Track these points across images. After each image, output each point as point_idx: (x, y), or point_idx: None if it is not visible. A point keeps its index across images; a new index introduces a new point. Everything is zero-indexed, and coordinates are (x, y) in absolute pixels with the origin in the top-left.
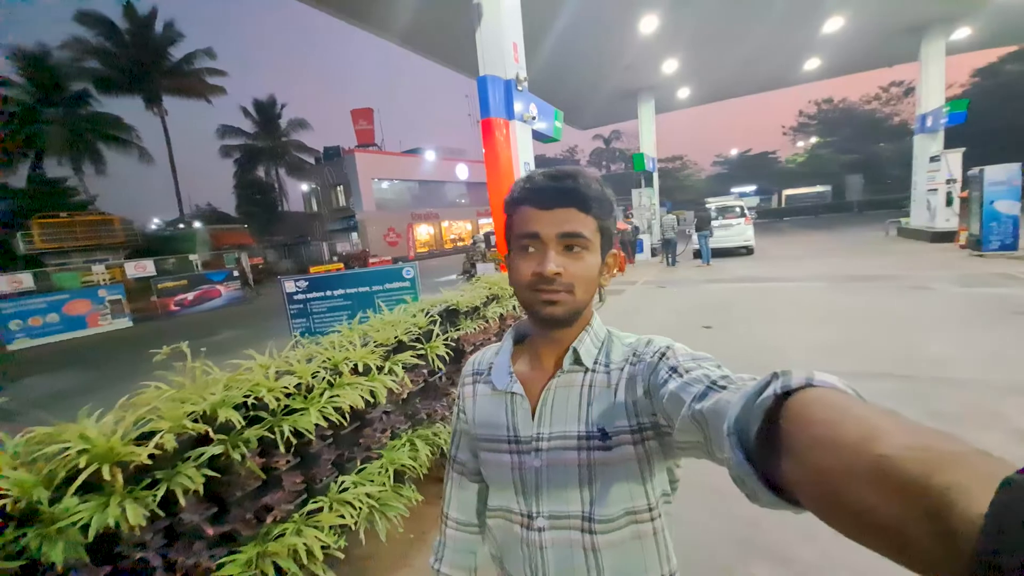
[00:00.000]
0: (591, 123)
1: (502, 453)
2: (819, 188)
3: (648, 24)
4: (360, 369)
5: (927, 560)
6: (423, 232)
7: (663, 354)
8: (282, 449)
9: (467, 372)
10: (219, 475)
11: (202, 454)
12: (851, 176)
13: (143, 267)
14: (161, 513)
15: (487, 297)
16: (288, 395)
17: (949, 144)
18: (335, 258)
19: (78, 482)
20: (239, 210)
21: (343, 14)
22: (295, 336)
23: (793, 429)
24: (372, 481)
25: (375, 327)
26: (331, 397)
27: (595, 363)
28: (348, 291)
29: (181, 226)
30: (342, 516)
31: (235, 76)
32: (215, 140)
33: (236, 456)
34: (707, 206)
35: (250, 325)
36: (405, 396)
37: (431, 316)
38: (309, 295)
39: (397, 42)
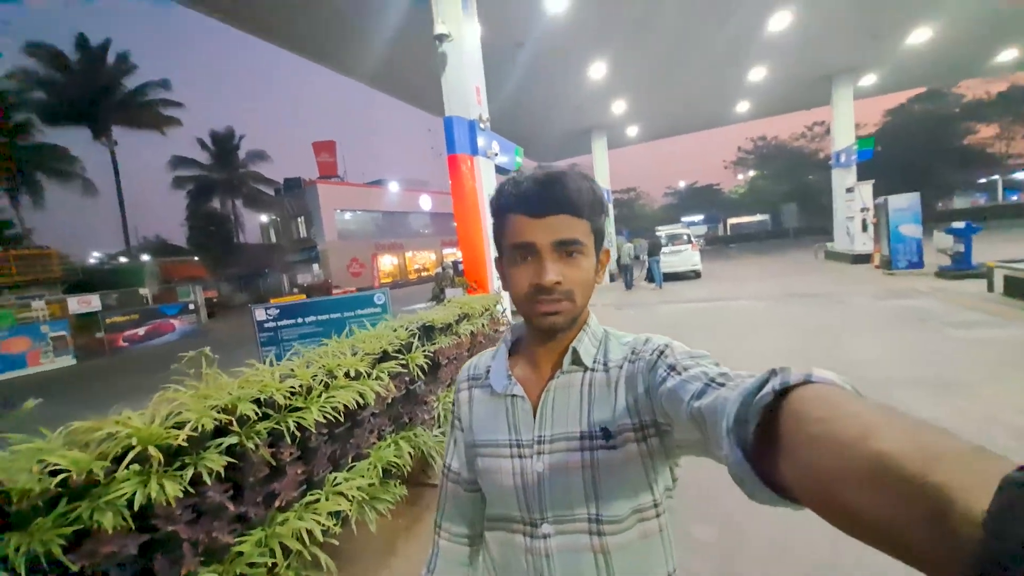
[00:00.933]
0: (549, 157)
1: (503, 458)
2: (759, 217)
3: (597, 70)
4: (352, 374)
5: (927, 557)
6: (387, 262)
7: (661, 352)
8: (288, 441)
9: (463, 378)
10: (236, 462)
11: (222, 443)
12: (786, 205)
13: (87, 301)
14: (192, 490)
15: (459, 315)
16: (292, 394)
17: (863, 176)
18: (295, 289)
19: (129, 458)
20: (191, 242)
21: (314, 56)
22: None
23: (791, 426)
24: (363, 476)
25: (362, 339)
26: (328, 398)
27: (594, 362)
28: (320, 317)
29: (127, 259)
30: (339, 505)
31: (193, 108)
32: (167, 172)
33: (250, 445)
34: (657, 234)
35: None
36: (390, 400)
37: (410, 331)
38: (280, 322)
39: (366, 83)
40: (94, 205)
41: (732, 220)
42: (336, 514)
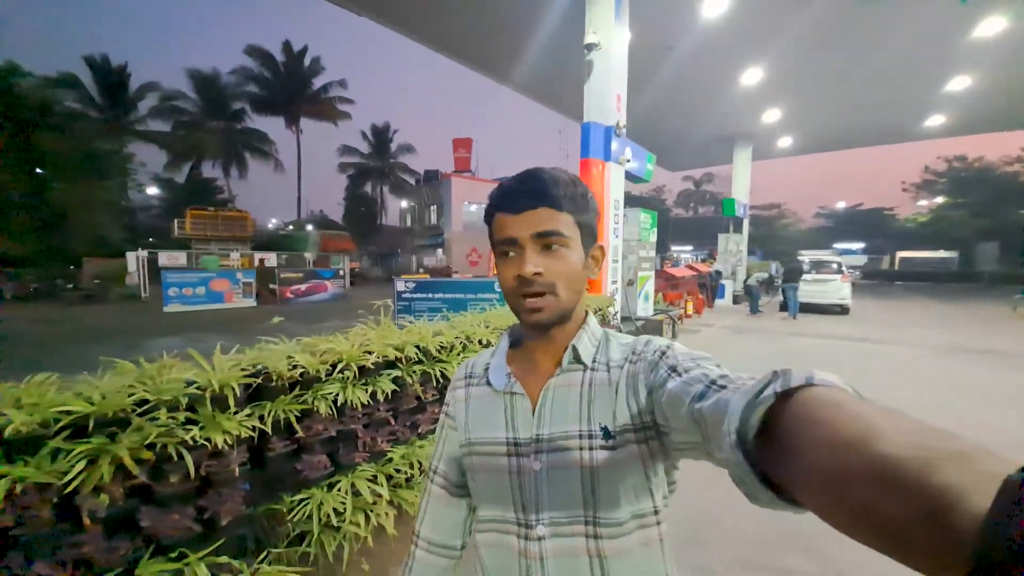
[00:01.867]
0: (682, 165)
1: (499, 457)
2: (943, 254)
3: (751, 76)
4: (483, 343)
5: (929, 559)
6: None
7: (663, 353)
8: (434, 384)
9: (458, 376)
10: (398, 390)
11: (391, 373)
12: (984, 244)
13: (268, 258)
14: (370, 402)
15: None
16: (440, 348)
17: None
18: (420, 270)
19: (339, 368)
20: (345, 219)
21: (471, 63)
22: None
23: (792, 428)
24: None
25: (492, 316)
26: (465, 356)
27: (594, 361)
28: (447, 296)
29: (297, 228)
30: None
31: (361, 104)
32: (335, 157)
33: (408, 380)
34: (800, 258)
35: (352, 316)
36: None
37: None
38: (415, 295)
39: (514, 88)
40: (278, 180)
41: (904, 254)
42: None
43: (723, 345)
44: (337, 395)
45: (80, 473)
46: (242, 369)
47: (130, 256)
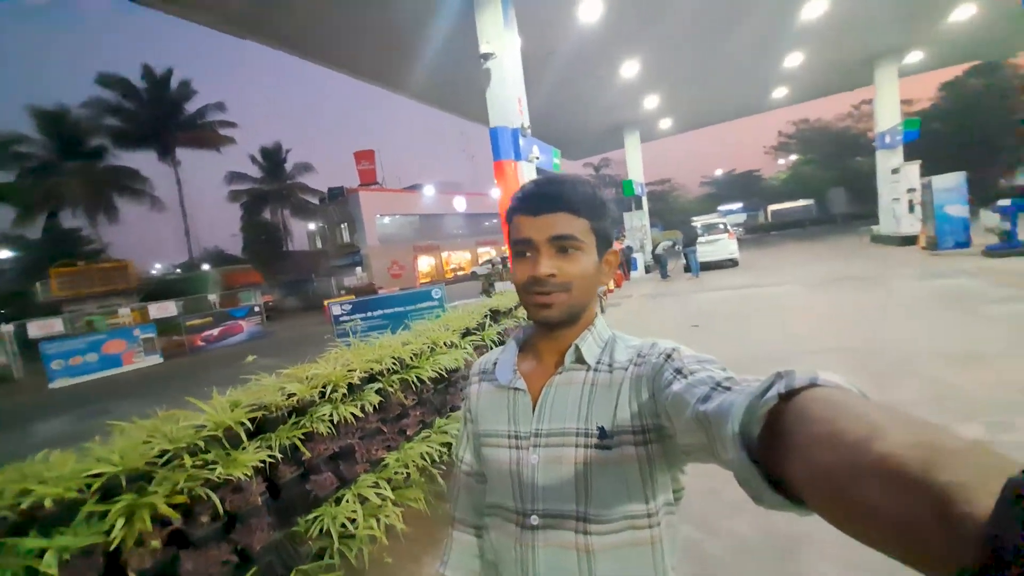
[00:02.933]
0: (582, 154)
1: (501, 448)
2: (803, 202)
3: (628, 69)
4: (448, 344)
5: (932, 559)
6: (424, 263)
7: (668, 355)
8: (413, 390)
9: (474, 372)
10: (383, 400)
11: (373, 386)
12: (833, 190)
13: (165, 308)
14: (361, 415)
15: (516, 303)
16: (413, 356)
17: (915, 155)
18: (342, 292)
19: (328, 391)
20: (245, 251)
21: (365, 76)
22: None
23: (796, 428)
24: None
25: (449, 320)
26: (435, 360)
27: (598, 362)
28: (386, 311)
29: (191, 268)
30: (444, 440)
31: (245, 127)
32: (223, 186)
33: (390, 389)
34: (693, 224)
35: (282, 354)
36: None
37: (483, 314)
38: (353, 316)
39: (412, 97)
40: (160, 219)
41: (774, 207)
42: (447, 445)
43: (646, 310)
44: (332, 414)
45: (120, 529)
46: (246, 407)
47: None
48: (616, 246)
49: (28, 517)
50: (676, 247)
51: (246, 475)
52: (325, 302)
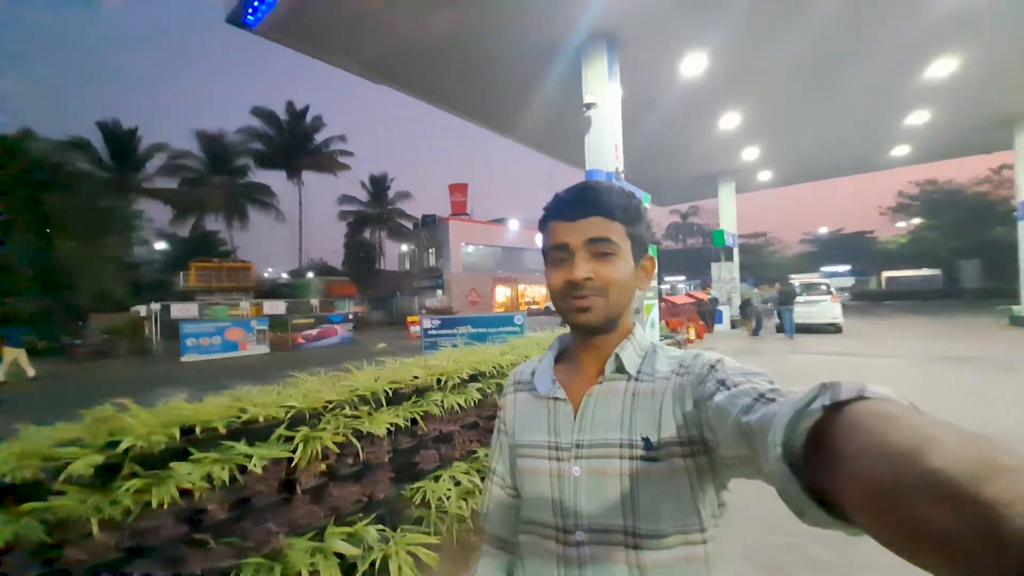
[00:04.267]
0: (670, 200)
1: (540, 460)
2: (926, 272)
3: (729, 121)
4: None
5: (977, 574)
6: (501, 294)
7: (712, 366)
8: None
9: (510, 382)
10: (482, 398)
11: (476, 384)
12: (965, 261)
13: (276, 306)
14: (464, 407)
15: None
16: (509, 365)
17: None
18: (423, 311)
19: (444, 380)
20: (344, 265)
21: (476, 120)
22: None
23: (841, 440)
24: None
25: (538, 340)
26: None
27: (639, 372)
28: (471, 330)
29: (299, 275)
30: None
31: (358, 155)
32: (335, 206)
33: (488, 389)
34: (791, 282)
35: (368, 358)
36: None
37: None
38: (440, 331)
39: (513, 139)
40: (280, 230)
41: (889, 274)
42: None
43: None
44: (442, 401)
45: (301, 451)
46: (391, 381)
47: (140, 310)
48: (701, 296)
49: (242, 429)
50: (768, 304)
51: (380, 433)
52: (408, 318)
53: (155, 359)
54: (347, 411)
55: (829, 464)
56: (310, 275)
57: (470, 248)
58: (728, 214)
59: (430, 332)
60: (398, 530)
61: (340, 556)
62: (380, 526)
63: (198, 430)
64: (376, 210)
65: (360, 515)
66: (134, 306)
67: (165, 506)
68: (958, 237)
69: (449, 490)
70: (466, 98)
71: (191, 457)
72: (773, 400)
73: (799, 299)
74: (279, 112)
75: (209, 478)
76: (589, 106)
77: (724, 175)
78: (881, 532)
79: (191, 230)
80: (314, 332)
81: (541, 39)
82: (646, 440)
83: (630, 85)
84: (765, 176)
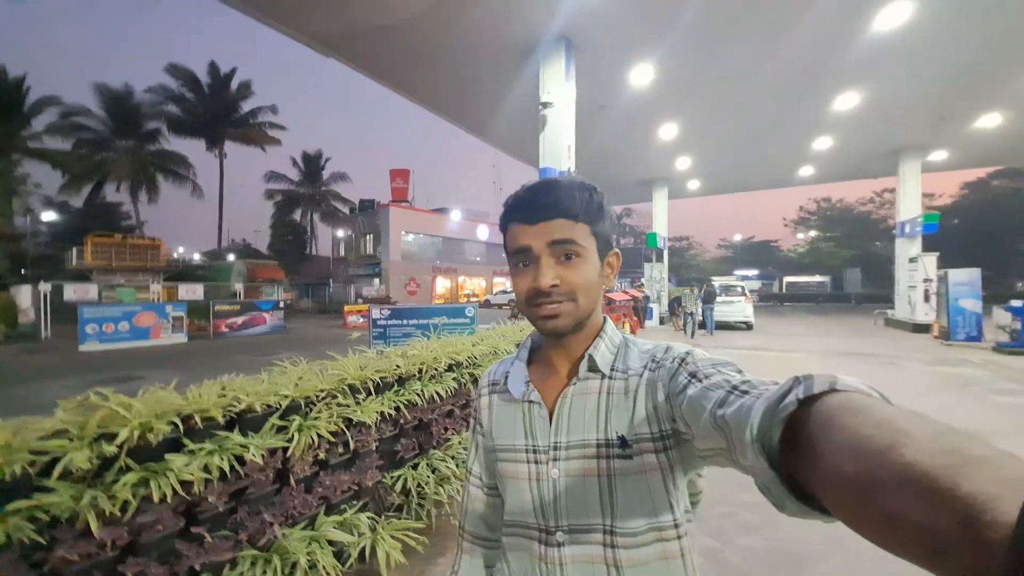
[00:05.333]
0: (615, 202)
1: (519, 463)
2: (819, 278)
3: (668, 131)
4: (508, 351)
5: (957, 567)
6: (440, 285)
7: (683, 359)
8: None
9: (483, 383)
10: (458, 387)
11: (452, 374)
12: (850, 270)
13: (193, 291)
14: (443, 395)
15: None
16: (482, 355)
17: (934, 247)
18: (359, 300)
19: (423, 370)
20: (271, 248)
21: (430, 106)
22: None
23: (817, 435)
24: None
25: (504, 332)
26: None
27: (612, 370)
28: (420, 321)
29: (219, 257)
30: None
31: (292, 130)
32: (261, 184)
33: (462, 379)
34: (713, 283)
35: (303, 349)
36: None
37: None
38: (390, 321)
39: (468, 131)
40: (197, 206)
41: (790, 278)
42: None
43: None
44: (422, 390)
45: (296, 441)
46: (376, 370)
47: (24, 290)
48: (636, 293)
49: (235, 419)
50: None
51: (370, 421)
52: (345, 307)
53: (44, 348)
54: (339, 400)
55: (806, 459)
56: (231, 257)
57: (410, 237)
58: (660, 218)
59: (379, 323)
60: (382, 516)
61: (331, 543)
62: (369, 513)
63: (198, 419)
64: (308, 191)
65: (352, 503)
66: (16, 284)
67: (168, 499)
68: (845, 248)
69: (428, 477)
70: (420, 84)
71: (187, 448)
72: (747, 392)
73: (719, 299)
74: (200, 73)
75: (206, 470)
76: (546, 105)
77: (659, 181)
78: (859, 525)
79: (87, 200)
80: (240, 320)
81: (502, 35)
82: (622, 439)
83: (583, 90)
84: (694, 185)
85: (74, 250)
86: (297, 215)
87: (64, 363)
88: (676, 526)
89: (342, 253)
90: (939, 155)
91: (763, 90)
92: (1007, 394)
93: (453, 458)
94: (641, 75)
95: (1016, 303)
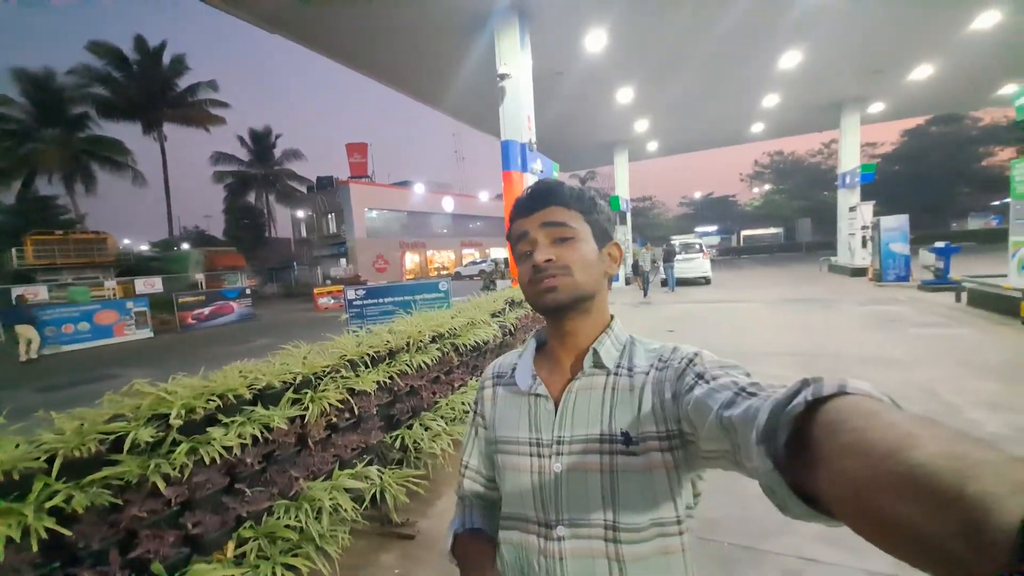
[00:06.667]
0: (573, 167)
1: (522, 456)
2: (772, 230)
3: (624, 95)
4: (483, 322)
5: (961, 572)
6: (409, 260)
7: (690, 360)
8: (459, 352)
9: (488, 375)
10: (441, 356)
11: (434, 345)
12: (801, 220)
13: (151, 284)
14: (429, 364)
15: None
16: (460, 327)
17: (873, 195)
18: (328, 281)
19: (410, 343)
20: (227, 233)
21: (384, 81)
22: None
23: (824, 437)
24: None
25: (478, 303)
26: (475, 332)
27: (617, 366)
28: (396, 299)
29: (170, 247)
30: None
31: (237, 108)
32: (209, 166)
33: (444, 350)
34: (672, 242)
35: (278, 335)
36: (500, 341)
37: (506, 299)
38: (365, 301)
39: (424, 103)
40: (140, 194)
41: (746, 232)
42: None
43: (628, 318)
44: (411, 360)
45: (312, 410)
46: (370, 346)
47: None
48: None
49: (259, 394)
50: (656, 264)
51: (370, 389)
52: (316, 289)
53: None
54: (343, 373)
55: (812, 462)
56: (185, 246)
57: (374, 213)
58: (622, 181)
59: (355, 303)
60: (387, 469)
61: (347, 491)
62: (376, 466)
63: (231, 397)
64: (260, 170)
65: (362, 458)
66: None
67: (217, 461)
68: (797, 199)
69: (423, 434)
70: (374, 58)
71: (223, 422)
72: (754, 394)
73: (678, 257)
74: (125, 49)
75: (241, 437)
76: (503, 76)
77: (619, 144)
78: (863, 527)
79: (18, 196)
80: (206, 311)
81: (454, 4)
82: (625, 435)
83: (539, 57)
84: (653, 146)
85: (13, 251)
86: (251, 197)
87: (28, 368)
88: (678, 522)
89: (304, 234)
90: (877, 107)
91: (711, 52)
92: (922, 326)
93: (443, 417)
94: (595, 41)
95: (939, 244)
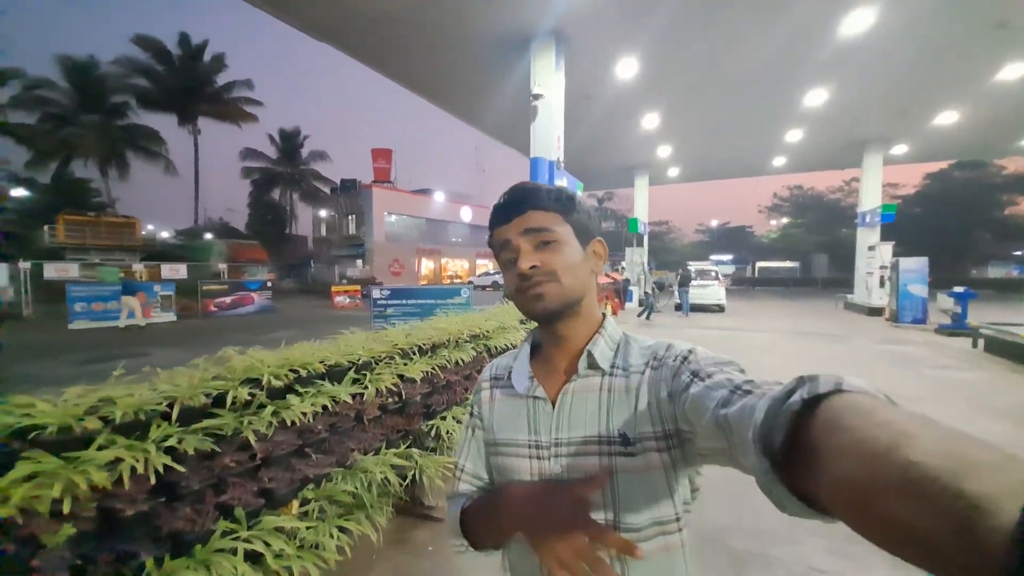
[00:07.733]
0: (593, 186)
1: (521, 458)
2: (789, 263)
3: (650, 120)
4: (512, 327)
5: (958, 569)
6: (423, 266)
7: (685, 358)
8: (491, 354)
9: (485, 377)
10: (476, 355)
11: (468, 344)
12: (817, 255)
13: (176, 270)
14: (430, 371)
15: None
16: (491, 330)
17: (892, 235)
18: (344, 281)
19: (451, 339)
20: (249, 227)
21: (424, 94)
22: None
23: (820, 435)
24: None
25: (506, 310)
26: (506, 336)
27: (612, 367)
28: (419, 302)
29: (195, 236)
30: None
31: (268, 106)
32: (238, 161)
33: (457, 358)
34: (688, 267)
35: (299, 327)
36: None
37: None
38: (390, 301)
39: (460, 117)
40: (171, 184)
41: (761, 263)
42: None
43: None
44: (450, 355)
45: (370, 390)
46: (418, 338)
47: (2, 268)
48: (617, 277)
49: (325, 373)
50: (671, 287)
51: (417, 377)
52: (333, 287)
53: (32, 326)
54: (397, 360)
55: (809, 460)
56: (208, 236)
57: (393, 218)
58: (641, 204)
59: (379, 303)
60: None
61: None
62: (417, 450)
63: (309, 369)
64: (287, 169)
65: (405, 439)
66: None
67: (296, 423)
68: (815, 234)
69: (455, 425)
70: (417, 73)
71: (299, 391)
72: (750, 392)
73: (693, 283)
74: (169, 45)
75: (313, 407)
76: (537, 96)
77: (641, 168)
78: (860, 526)
79: (55, 176)
80: (228, 300)
81: (497, 28)
82: (623, 435)
83: (571, 80)
84: (674, 172)
85: (45, 228)
86: (276, 194)
87: (59, 342)
88: (677, 519)
89: (323, 233)
90: (900, 148)
91: (739, 84)
92: (938, 368)
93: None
94: (626, 68)
95: (958, 289)
